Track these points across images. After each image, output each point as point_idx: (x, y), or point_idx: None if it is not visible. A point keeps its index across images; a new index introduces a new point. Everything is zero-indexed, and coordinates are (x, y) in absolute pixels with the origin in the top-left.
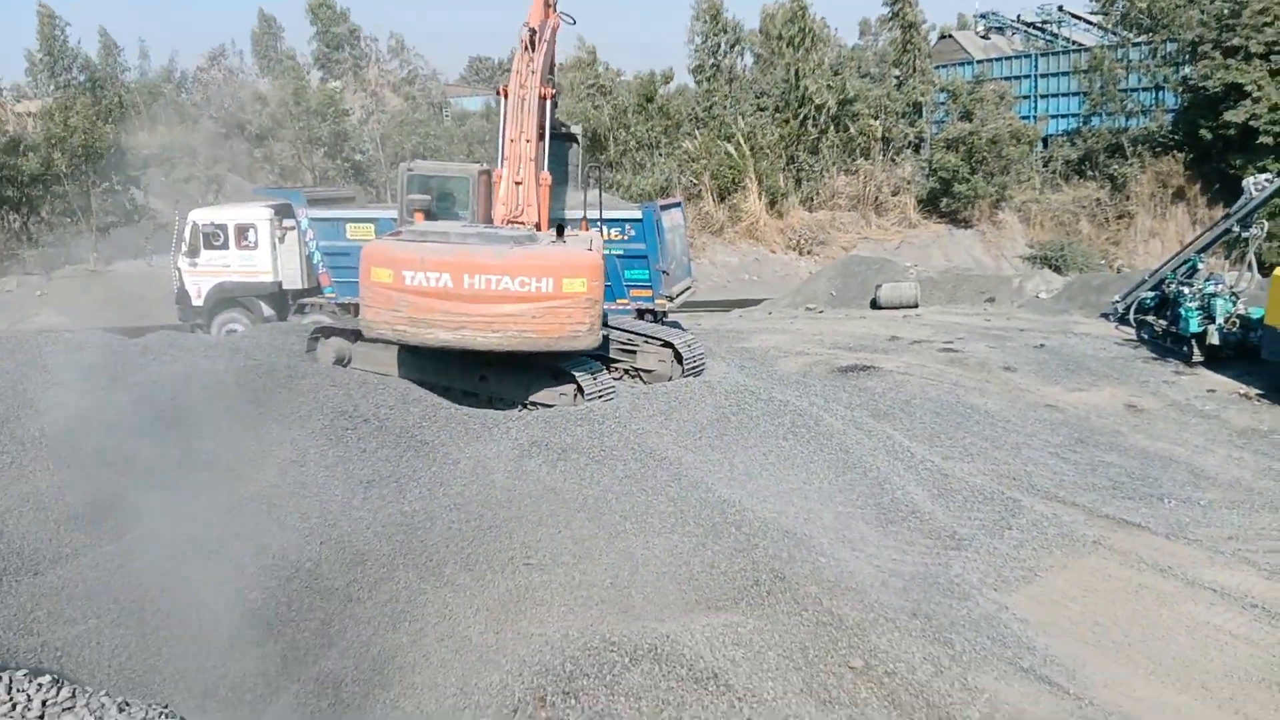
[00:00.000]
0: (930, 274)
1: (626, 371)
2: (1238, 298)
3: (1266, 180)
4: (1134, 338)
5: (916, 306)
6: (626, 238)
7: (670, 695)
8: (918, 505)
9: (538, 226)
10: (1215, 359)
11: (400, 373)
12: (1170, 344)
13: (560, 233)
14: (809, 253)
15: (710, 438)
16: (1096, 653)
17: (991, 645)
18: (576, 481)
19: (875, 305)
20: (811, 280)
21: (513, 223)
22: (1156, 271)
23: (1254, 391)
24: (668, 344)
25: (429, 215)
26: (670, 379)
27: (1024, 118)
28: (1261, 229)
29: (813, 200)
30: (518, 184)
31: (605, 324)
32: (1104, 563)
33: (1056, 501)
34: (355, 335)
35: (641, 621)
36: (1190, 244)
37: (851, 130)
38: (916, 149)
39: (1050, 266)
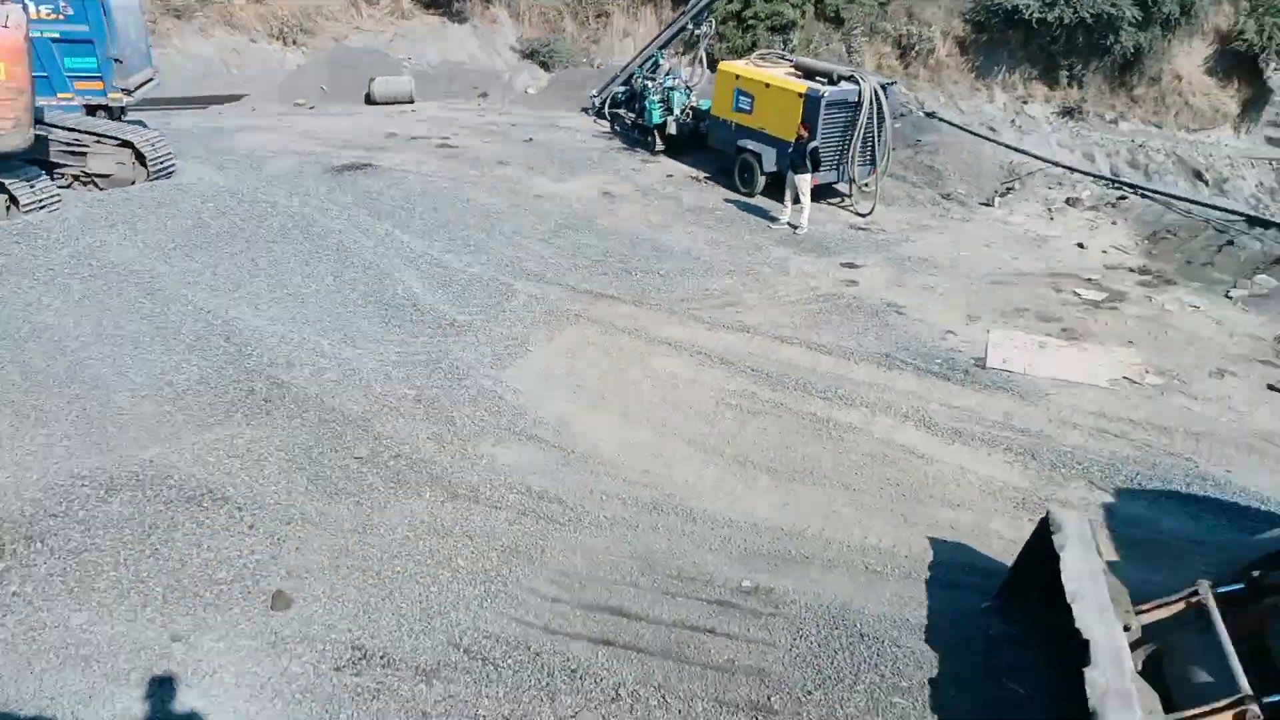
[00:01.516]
0: (425, 68)
1: (76, 177)
2: (691, 91)
3: None
4: (609, 130)
5: (412, 102)
6: (63, 18)
7: (159, 518)
8: (419, 298)
9: None
10: (675, 147)
11: None
12: (638, 135)
13: None
14: (295, 43)
15: (188, 247)
16: (577, 409)
17: (489, 416)
18: (20, 307)
19: (370, 100)
20: (300, 73)
21: None
22: (626, 68)
23: (703, 175)
24: (126, 143)
25: None
26: (133, 183)
27: None
28: (711, 26)
29: None
30: None
31: (41, 121)
32: (585, 332)
33: (544, 282)
34: None
35: (118, 452)
36: (653, 41)
37: None
38: None
39: (538, 62)
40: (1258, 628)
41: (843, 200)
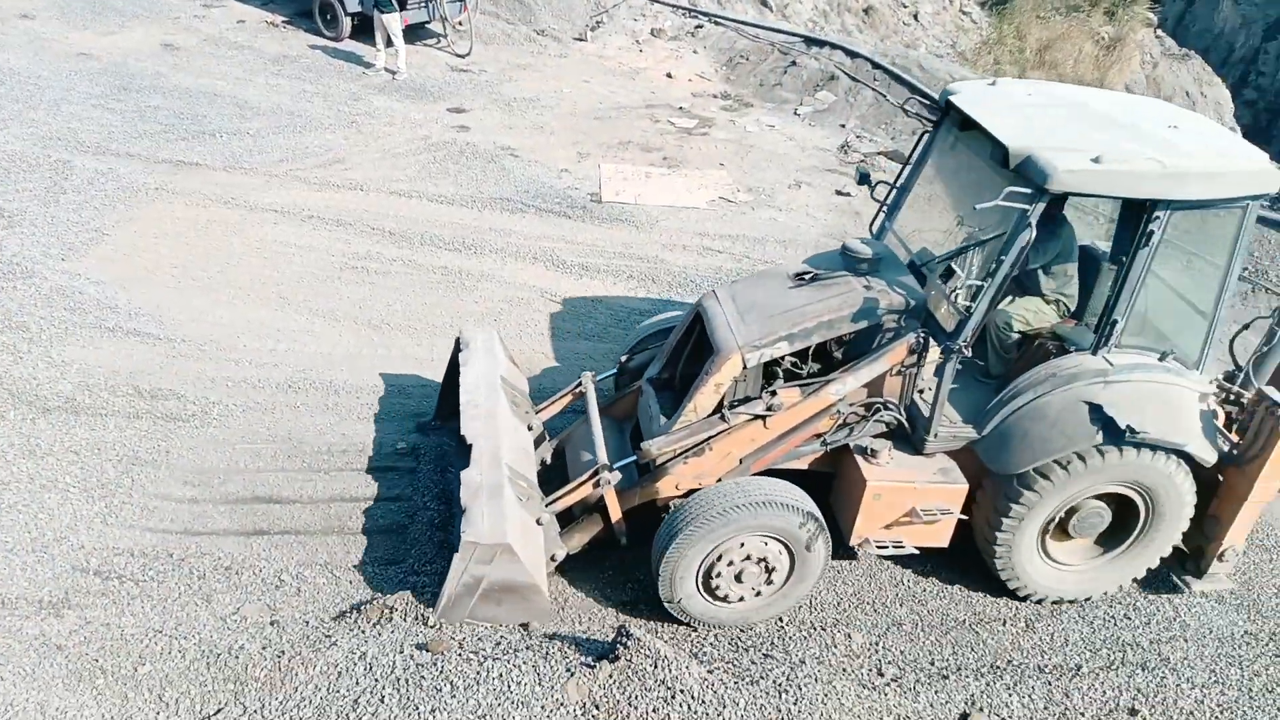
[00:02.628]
0: None
1: None
2: None
3: None
4: None
5: None
6: None
7: None
8: None
9: None
10: None
11: None
12: None
13: None
14: None
15: None
16: (179, 293)
17: (71, 315)
18: None
19: None
20: None
21: None
22: None
23: (280, 18)
24: None
25: None
26: None
27: None
28: None
29: None
30: None
31: None
32: (169, 206)
33: (110, 155)
34: None
35: None
36: None
37: None
38: None
39: None
40: (631, 407)
41: (439, 41)
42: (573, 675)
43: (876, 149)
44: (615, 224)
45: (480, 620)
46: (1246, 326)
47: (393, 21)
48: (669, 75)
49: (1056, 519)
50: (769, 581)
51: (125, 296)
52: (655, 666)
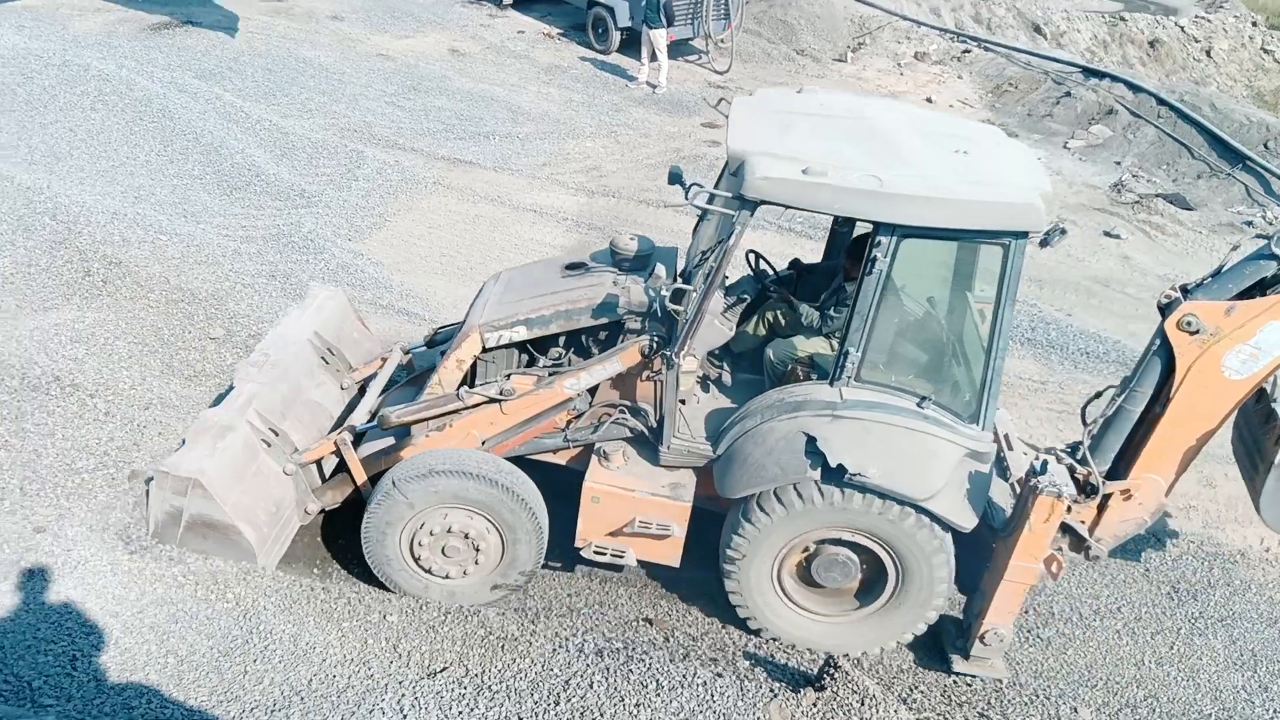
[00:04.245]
0: None
1: None
2: None
3: None
4: None
5: None
6: None
7: (3, 409)
8: (261, 167)
9: None
10: (524, 1)
11: None
12: None
13: None
14: None
15: None
16: (444, 279)
17: (351, 290)
18: None
19: None
20: None
21: None
22: None
23: (556, 30)
24: None
25: None
26: None
27: None
28: None
29: None
30: None
31: None
32: (443, 200)
33: (397, 148)
34: None
35: None
36: None
37: None
38: None
39: None
40: None
41: (700, 57)
42: (775, 697)
43: (1155, 190)
44: None
45: (195, 551)
46: (1099, 394)
47: (659, 37)
48: (929, 100)
49: (793, 558)
50: (477, 562)
51: (398, 278)
52: (862, 704)
